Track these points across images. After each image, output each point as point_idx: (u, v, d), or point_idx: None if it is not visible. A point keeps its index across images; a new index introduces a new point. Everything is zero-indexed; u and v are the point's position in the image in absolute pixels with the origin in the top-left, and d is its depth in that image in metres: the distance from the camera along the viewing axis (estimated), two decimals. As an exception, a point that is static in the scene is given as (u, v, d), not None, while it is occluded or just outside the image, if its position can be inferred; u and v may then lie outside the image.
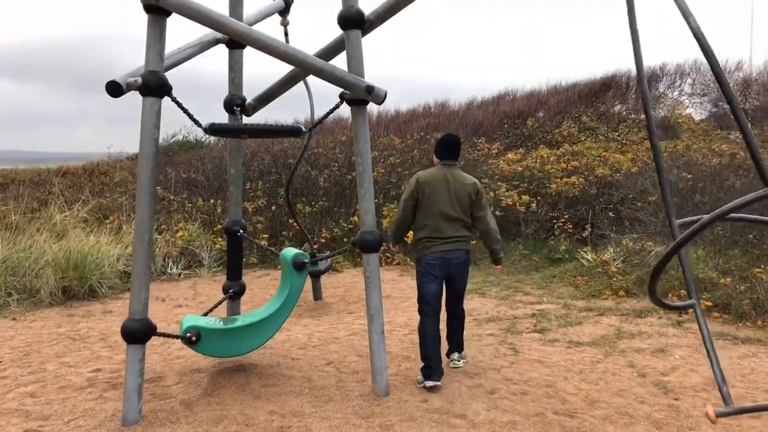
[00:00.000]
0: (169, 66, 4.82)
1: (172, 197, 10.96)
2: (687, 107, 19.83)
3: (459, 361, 5.39)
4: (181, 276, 9.27)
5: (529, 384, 4.98)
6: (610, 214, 10.35)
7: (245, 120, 5.59)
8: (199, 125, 4.62)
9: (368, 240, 4.73)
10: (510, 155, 12.95)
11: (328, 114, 5.06)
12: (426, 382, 4.83)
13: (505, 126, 17.00)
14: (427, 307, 4.99)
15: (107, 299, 8.01)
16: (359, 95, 4.59)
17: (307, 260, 5.14)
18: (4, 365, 5.53)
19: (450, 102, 22.59)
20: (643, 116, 19.30)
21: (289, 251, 5.27)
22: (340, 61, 4.91)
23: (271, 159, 12.15)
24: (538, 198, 11.10)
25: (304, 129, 5.03)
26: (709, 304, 6.97)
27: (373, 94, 4.55)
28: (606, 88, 20.10)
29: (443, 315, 5.16)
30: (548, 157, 12.78)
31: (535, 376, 5.17)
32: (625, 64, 24.53)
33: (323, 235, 10.21)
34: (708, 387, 4.89)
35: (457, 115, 18.73)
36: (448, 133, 5.39)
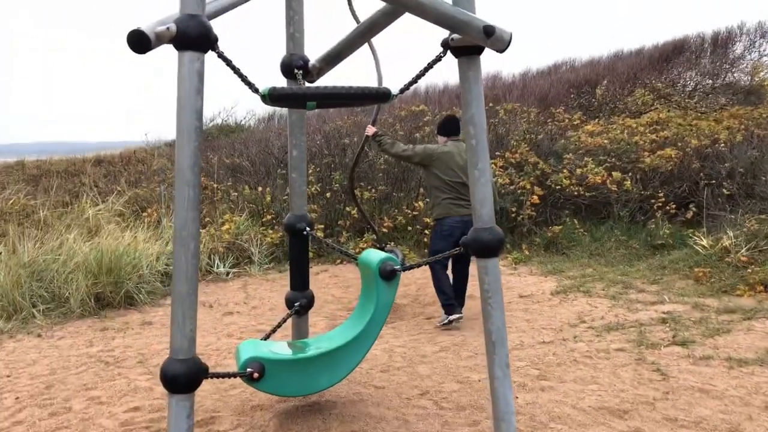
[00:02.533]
0: (212, 13, 3.62)
1: (215, 185, 9.80)
2: (769, 69, 17.90)
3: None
4: (230, 275, 8.13)
5: (703, 428, 3.68)
6: (724, 191, 8.84)
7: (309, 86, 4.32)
8: (256, 90, 3.38)
9: (485, 240, 3.44)
10: (589, 127, 11.48)
11: (424, 72, 3.73)
12: (451, 316, 5.84)
13: (572, 96, 15.45)
14: (439, 264, 5.83)
15: (146, 306, 6.91)
16: (472, 39, 3.29)
17: (398, 266, 3.90)
18: (21, 403, 4.43)
19: (503, 73, 21.04)
20: (721, 83, 17.54)
21: (373, 255, 4.04)
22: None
23: (323, 139, 10.91)
24: (630, 174, 9.65)
25: (393, 92, 3.75)
26: None
27: (493, 38, 3.23)
28: (677, 52, 18.29)
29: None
30: (636, 127, 11.25)
31: (707, 413, 3.85)
32: (696, 28, 22.68)
33: (386, 224, 8.97)
34: None
35: (515, 86, 17.22)
36: (448, 114, 6.80)
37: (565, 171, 9.59)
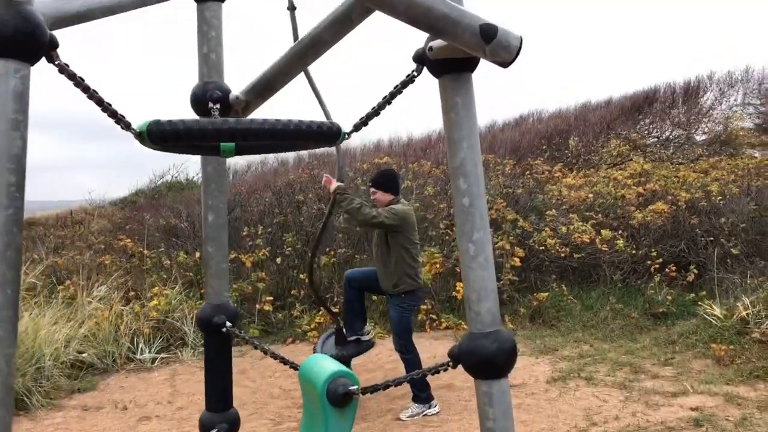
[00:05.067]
0: (75, 15, 2.46)
1: (144, 251, 8.40)
2: (743, 119, 17.43)
3: None
4: (156, 363, 6.71)
5: None
6: (732, 249, 7.80)
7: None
8: (127, 126, 2.17)
9: (489, 352, 2.22)
10: (569, 179, 10.50)
11: (390, 100, 2.54)
12: (435, 408, 5.06)
13: (544, 147, 14.57)
14: (411, 339, 5.10)
15: (41, 412, 5.45)
16: (462, 47, 2.13)
17: (355, 387, 2.63)
18: None
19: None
20: (696, 133, 16.96)
21: (319, 367, 2.75)
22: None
23: (273, 196, 9.65)
24: (620, 232, 8.60)
25: (344, 130, 2.57)
26: None
27: (494, 43, 2.07)
28: (648, 102, 17.73)
29: None
30: (622, 179, 10.28)
31: None
32: (665, 77, 22.40)
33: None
34: None
35: (484, 138, 16.32)
36: (388, 169, 6.30)
37: (547, 229, 8.50)
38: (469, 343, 2.25)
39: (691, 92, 17.71)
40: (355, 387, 2.59)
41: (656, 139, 16.33)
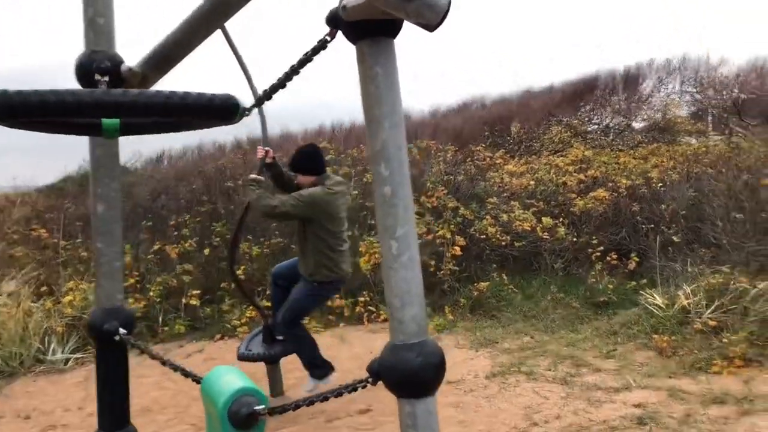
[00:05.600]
0: None
1: (59, 241, 7.72)
2: (680, 106, 17.67)
3: None
4: (69, 364, 6.18)
5: None
6: (673, 237, 7.71)
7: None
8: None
9: (413, 367, 1.89)
10: (510, 166, 10.30)
11: (298, 68, 2.16)
12: (327, 379, 4.76)
13: (486, 134, 14.38)
14: (300, 323, 4.79)
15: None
16: (384, 6, 1.77)
17: (261, 407, 2.25)
18: None
19: (412, 113, 19.90)
20: (635, 120, 17.13)
21: (222, 382, 2.37)
22: None
23: (203, 184, 9.13)
24: (561, 220, 8.44)
25: (242, 104, 2.17)
26: None
27: (417, 1, 1.72)
28: (589, 89, 17.79)
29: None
30: (563, 166, 10.14)
31: None
32: (606, 64, 22.63)
33: (280, 286, 7.28)
34: None
35: (427, 125, 16.05)
36: (304, 147, 5.00)
37: (488, 217, 8.27)
38: (390, 357, 1.93)
39: (630, 79, 17.87)
40: (262, 407, 2.24)
41: (597, 126, 16.39)
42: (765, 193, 7.54)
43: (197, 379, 2.58)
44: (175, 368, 2.70)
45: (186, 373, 2.65)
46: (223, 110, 2.07)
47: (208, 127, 2.40)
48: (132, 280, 7.31)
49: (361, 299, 7.42)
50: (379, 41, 1.88)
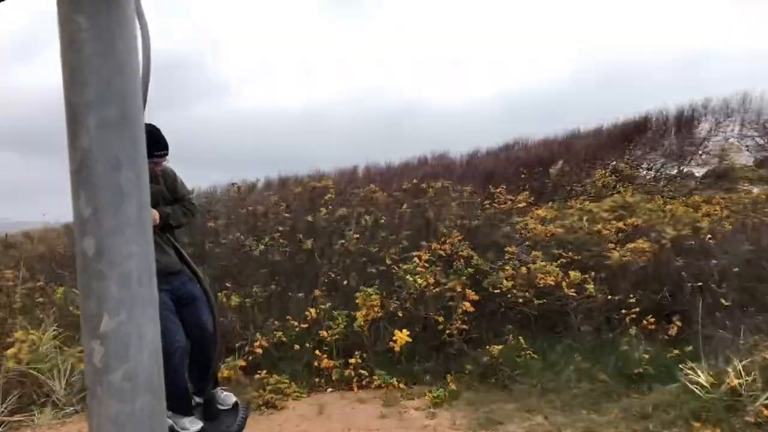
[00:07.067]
0: None
1: (13, 283, 6.93)
2: (740, 151, 16.24)
3: None
4: (2, 428, 5.38)
5: None
6: (722, 300, 6.50)
7: None
8: None
9: None
10: (540, 211, 9.26)
11: None
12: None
13: (523, 175, 13.34)
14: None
15: None
16: None
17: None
18: None
19: (450, 153, 18.99)
20: (688, 166, 15.81)
21: None
22: None
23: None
24: (592, 274, 7.32)
25: None
26: None
27: None
28: (639, 131, 16.57)
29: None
30: (598, 212, 9.04)
31: None
32: (658, 104, 21.23)
33: (257, 344, 6.38)
34: None
35: (459, 166, 15.11)
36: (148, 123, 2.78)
37: (507, 269, 7.22)
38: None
39: (684, 121, 16.59)
40: None
41: (646, 171, 15.16)
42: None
43: None
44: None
45: None
46: None
47: None
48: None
49: (352, 361, 6.45)
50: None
